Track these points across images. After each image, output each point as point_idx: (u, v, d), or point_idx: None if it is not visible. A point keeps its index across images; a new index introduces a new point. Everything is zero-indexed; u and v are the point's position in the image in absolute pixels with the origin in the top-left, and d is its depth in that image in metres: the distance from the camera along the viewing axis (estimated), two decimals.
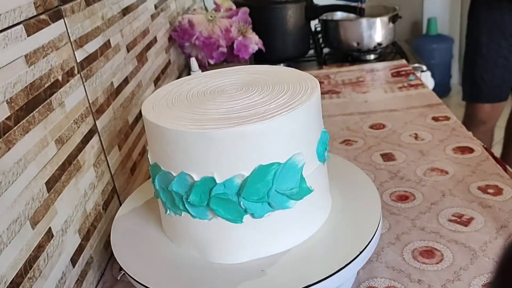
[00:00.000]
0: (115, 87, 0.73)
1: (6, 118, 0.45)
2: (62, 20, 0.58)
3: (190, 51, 1.14)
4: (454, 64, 2.98)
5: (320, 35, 1.47)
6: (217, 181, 0.46)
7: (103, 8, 0.71)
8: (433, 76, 1.34)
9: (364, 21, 1.28)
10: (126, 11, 0.81)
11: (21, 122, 0.47)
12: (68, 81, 0.57)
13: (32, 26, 0.51)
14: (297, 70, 0.58)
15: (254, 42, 1.16)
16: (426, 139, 0.85)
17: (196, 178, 0.46)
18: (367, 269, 0.56)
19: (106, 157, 0.66)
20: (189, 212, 0.48)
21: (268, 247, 0.49)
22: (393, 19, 1.30)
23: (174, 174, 0.48)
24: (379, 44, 1.32)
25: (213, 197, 0.46)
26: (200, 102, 0.51)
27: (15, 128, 0.46)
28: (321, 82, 1.19)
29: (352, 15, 1.33)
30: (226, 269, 0.49)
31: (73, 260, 0.55)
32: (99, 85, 0.67)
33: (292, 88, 0.52)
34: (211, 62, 1.14)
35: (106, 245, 0.64)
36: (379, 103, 1.04)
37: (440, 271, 0.55)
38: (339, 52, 1.40)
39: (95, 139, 0.63)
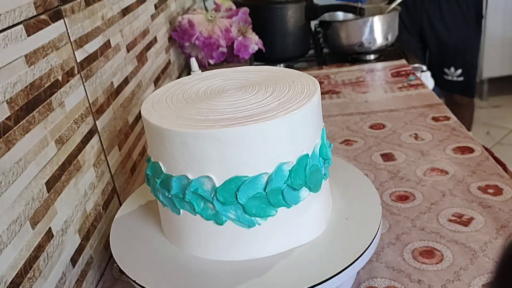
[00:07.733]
0: (115, 87, 0.73)
1: (6, 118, 0.45)
2: (62, 20, 0.58)
3: (190, 51, 1.14)
4: None
5: (320, 35, 1.47)
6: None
7: (103, 8, 0.71)
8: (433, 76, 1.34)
9: (362, 21, 1.28)
10: (126, 11, 0.81)
11: (21, 122, 0.47)
12: (68, 81, 0.57)
13: (32, 26, 0.51)
14: (297, 70, 0.58)
15: (254, 42, 1.16)
16: (426, 139, 0.85)
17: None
18: (367, 269, 0.56)
19: (106, 157, 0.66)
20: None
21: (269, 248, 0.49)
22: (393, 15, 1.29)
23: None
24: (383, 44, 1.31)
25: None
26: (200, 102, 0.51)
27: (15, 128, 0.46)
28: (321, 82, 1.19)
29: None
30: (226, 269, 0.49)
31: (73, 260, 0.55)
32: (99, 85, 0.67)
33: (292, 88, 0.52)
34: (211, 62, 1.14)
35: (106, 245, 0.64)
36: (379, 103, 1.04)
37: (440, 271, 0.55)
38: (339, 52, 1.40)
39: (95, 139, 0.63)
